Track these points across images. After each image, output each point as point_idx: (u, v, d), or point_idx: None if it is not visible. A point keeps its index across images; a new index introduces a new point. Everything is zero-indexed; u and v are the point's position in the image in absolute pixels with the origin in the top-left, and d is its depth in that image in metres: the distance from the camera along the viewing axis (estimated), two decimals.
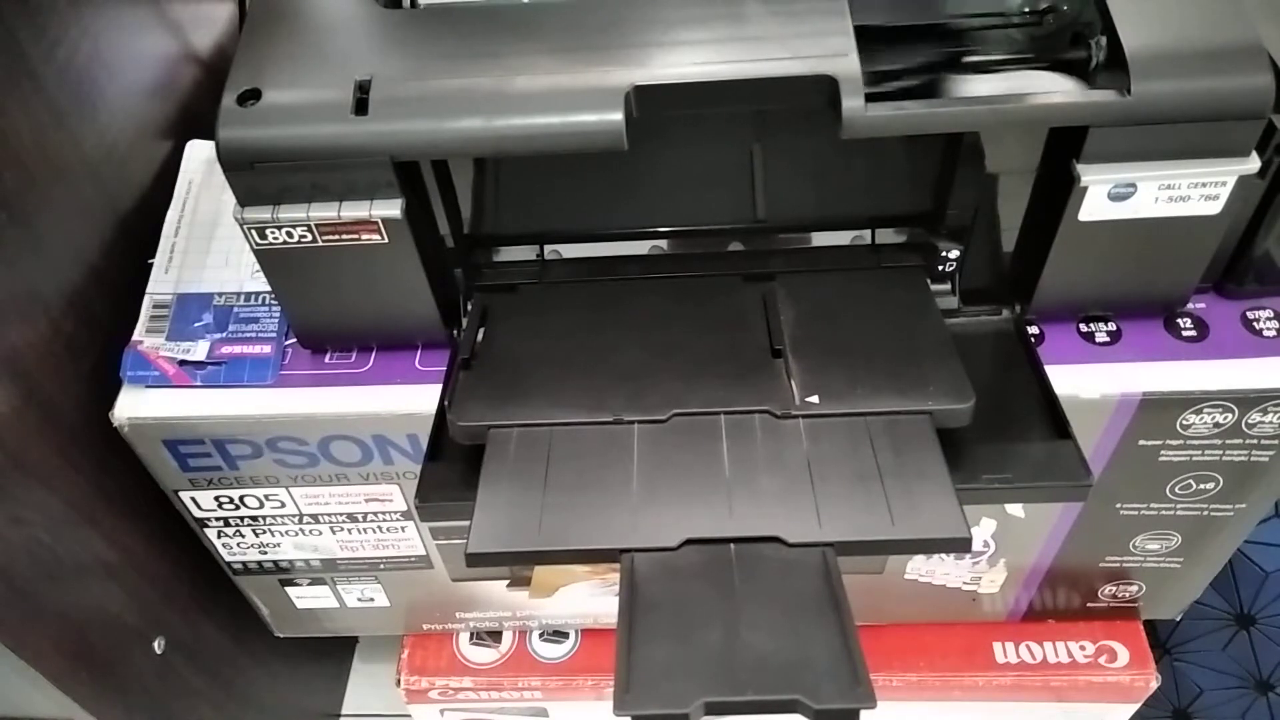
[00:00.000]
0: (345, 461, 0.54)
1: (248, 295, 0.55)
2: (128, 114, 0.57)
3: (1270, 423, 0.51)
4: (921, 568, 0.64)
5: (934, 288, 0.51)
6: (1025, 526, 0.59)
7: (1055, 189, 0.45)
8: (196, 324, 0.53)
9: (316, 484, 0.56)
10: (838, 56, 0.42)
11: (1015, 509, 0.58)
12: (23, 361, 0.49)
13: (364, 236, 0.45)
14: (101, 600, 0.56)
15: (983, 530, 0.60)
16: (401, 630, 0.72)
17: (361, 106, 0.43)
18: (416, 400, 0.51)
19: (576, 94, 0.42)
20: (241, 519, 0.59)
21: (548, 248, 0.54)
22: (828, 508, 0.41)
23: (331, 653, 0.92)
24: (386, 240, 0.46)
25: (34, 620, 0.50)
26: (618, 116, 0.42)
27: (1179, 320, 0.52)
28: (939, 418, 0.44)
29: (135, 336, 0.53)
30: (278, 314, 0.54)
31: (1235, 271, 0.51)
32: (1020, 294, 0.51)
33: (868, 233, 0.53)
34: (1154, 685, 0.67)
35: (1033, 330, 0.52)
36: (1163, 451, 0.53)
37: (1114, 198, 0.44)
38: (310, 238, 0.45)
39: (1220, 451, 0.52)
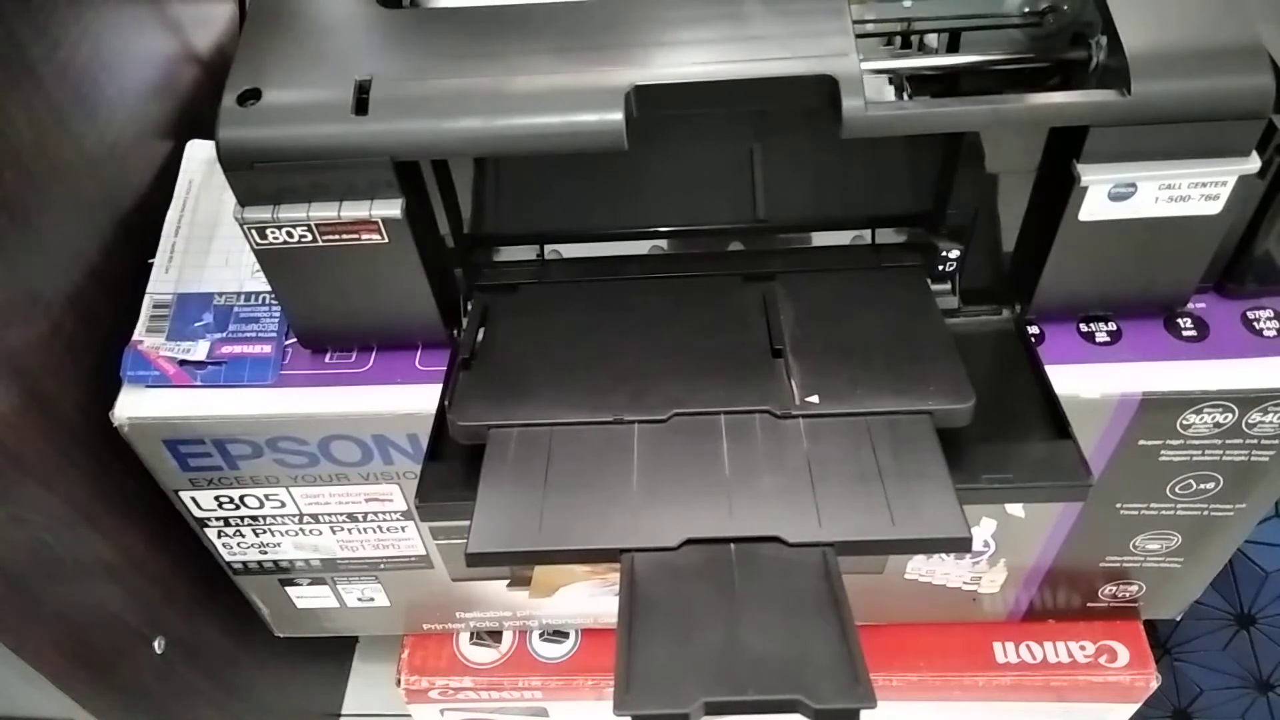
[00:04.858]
0: (345, 461, 0.54)
1: (248, 295, 0.55)
2: (128, 114, 0.57)
3: (1270, 423, 0.50)
4: (921, 568, 0.64)
5: (934, 288, 0.51)
6: (1025, 526, 0.59)
7: (1055, 189, 0.45)
8: (197, 324, 0.53)
9: (316, 484, 0.56)
10: (838, 56, 0.42)
11: (1015, 509, 0.58)
12: (23, 361, 0.49)
13: (364, 236, 0.45)
14: (101, 600, 0.56)
15: (983, 530, 0.60)
16: (401, 630, 0.72)
17: (361, 106, 0.43)
18: (416, 400, 0.51)
19: (576, 94, 0.42)
20: (241, 519, 0.59)
21: (548, 247, 0.54)
22: (828, 508, 0.41)
23: (331, 653, 0.92)
24: (386, 240, 0.46)
25: (34, 620, 0.50)
26: (618, 116, 0.42)
27: (1179, 320, 0.52)
28: (939, 418, 0.44)
29: (135, 336, 0.53)
30: (278, 314, 0.54)
31: (1235, 271, 0.51)
32: (1020, 294, 0.51)
33: (868, 232, 0.53)
34: (1154, 685, 0.67)
35: (1033, 330, 0.52)
36: (1163, 451, 0.53)
37: (1114, 198, 0.44)
38: (310, 238, 0.45)
39: (1220, 451, 0.52)
